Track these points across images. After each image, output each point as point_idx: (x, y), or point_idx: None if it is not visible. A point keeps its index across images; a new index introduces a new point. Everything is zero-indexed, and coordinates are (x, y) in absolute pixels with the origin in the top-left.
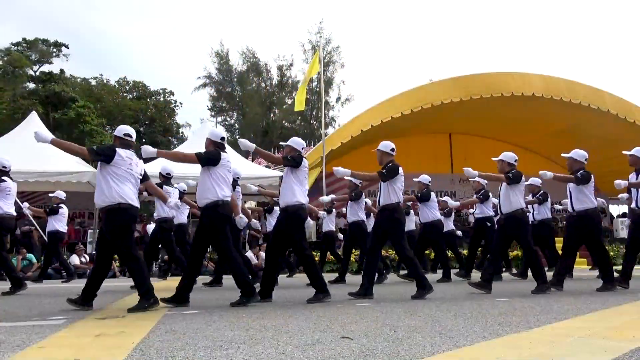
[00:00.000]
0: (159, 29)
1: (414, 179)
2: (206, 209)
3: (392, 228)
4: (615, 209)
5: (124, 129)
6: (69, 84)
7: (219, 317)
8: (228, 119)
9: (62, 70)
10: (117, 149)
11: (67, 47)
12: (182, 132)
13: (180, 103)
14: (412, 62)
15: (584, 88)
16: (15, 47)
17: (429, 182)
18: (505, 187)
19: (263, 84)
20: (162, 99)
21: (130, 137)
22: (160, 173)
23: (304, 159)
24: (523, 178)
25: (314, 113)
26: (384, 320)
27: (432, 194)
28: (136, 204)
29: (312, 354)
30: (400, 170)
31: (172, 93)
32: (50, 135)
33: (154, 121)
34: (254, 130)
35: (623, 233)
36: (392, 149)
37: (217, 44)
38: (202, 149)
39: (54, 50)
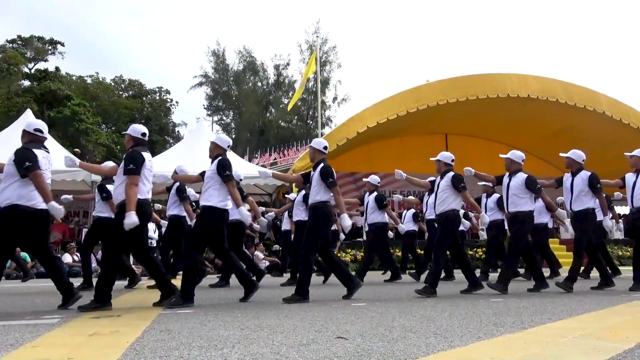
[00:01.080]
0: (155, 28)
1: (364, 179)
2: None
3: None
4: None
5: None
6: (65, 82)
7: (213, 317)
8: (224, 118)
9: (57, 68)
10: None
11: (62, 44)
12: (178, 131)
13: (177, 102)
14: (408, 62)
15: (580, 90)
16: (11, 45)
17: (378, 182)
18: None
19: (259, 83)
20: (158, 98)
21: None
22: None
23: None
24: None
25: (310, 113)
26: (379, 320)
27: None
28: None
29: (307, 354)
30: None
31: (168, 92)
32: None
33: (150, 120)
34: (250, 130)
35: (617, 234)
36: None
37: (214, 43)
38: (198, 149)
39: (50, 47)
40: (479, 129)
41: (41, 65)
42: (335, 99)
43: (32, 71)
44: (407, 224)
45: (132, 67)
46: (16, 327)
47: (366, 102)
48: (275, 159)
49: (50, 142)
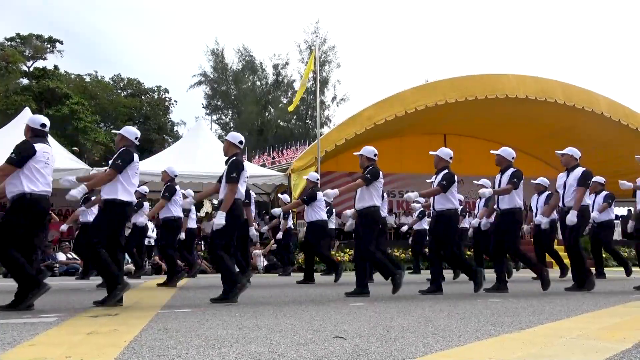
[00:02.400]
0: (154, 26)
1: (304, 177)
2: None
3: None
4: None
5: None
6: (63, 81)
7: (211, 316)
8: (223, 117)
9: (56, 67)
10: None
11: (61, 43)
12: (177, 130)
13: (175, 101)
14: (407, 63)
15: (578, 90)
16: (9, 43)
17: (317, 179)
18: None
19: (258, 83)
20: (156, 97)
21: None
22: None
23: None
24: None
25: (309, 112)
26: (377, 320)
27: (320, 194)
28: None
29: (304, 353)
30: (381, 174)
31: (166, 91)
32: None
33: (149, 119)
34: (248, 129)
35: (615, 235)
36: (375, 154)
37: (213, 42)
38: (198, 148)
39: (48, 46)
40: (478, 130)
41: (40, 64)
42: (334, 98)
43: (31, 69)
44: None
45: (131, 66)
46: (14, 326)
47: (365, 102)
48: (274, 158)
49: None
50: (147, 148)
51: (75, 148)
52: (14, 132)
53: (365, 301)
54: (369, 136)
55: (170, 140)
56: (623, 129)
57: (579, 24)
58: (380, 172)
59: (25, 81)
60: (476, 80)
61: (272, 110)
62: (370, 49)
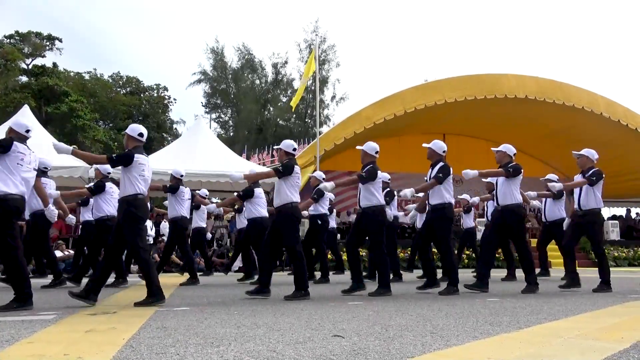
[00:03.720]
0: (153, 24)
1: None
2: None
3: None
4: (606, 211)
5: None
6: (62, 78)
7: (210, 314)
8: (222, 115)
9: (55, 64)
10: (135, 153)
11: (60, 40)
12: (176, 129)
13: (174, 99)
14: (407, 62)
15: (578, 91)
16: (8, 40)
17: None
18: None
19: (258, 81)
20: (155, 95)
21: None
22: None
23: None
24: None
25: (308, 111)
26: (375, 319)
27: (258, 190)
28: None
29: (303, 352)
30: (379, 172)
31: (166, 89)
32: (69, 147)
33: (148, 117)
34: (248, 128)
35: (614, 235)
36: (376, 152)
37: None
38: (196, 146)
39: (47, 43)
40: (477, 129)
41: (39, 61)
42: (333, 97)
43: (30, 67)
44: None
45: (130, 64)
46: (12, 323)
47: (365, 101)
48: (273, 157)
49: (48, 138)
50: (146, 146)
51: (74, 146)
52: None
53: (363, 300)
54: (368, 135)
55: (169, 138)
56: (622, 129)
57: (579, 25)
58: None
59: (24, 79)
60: (476, 80)
61: (271, 109)
62: (370, 48)
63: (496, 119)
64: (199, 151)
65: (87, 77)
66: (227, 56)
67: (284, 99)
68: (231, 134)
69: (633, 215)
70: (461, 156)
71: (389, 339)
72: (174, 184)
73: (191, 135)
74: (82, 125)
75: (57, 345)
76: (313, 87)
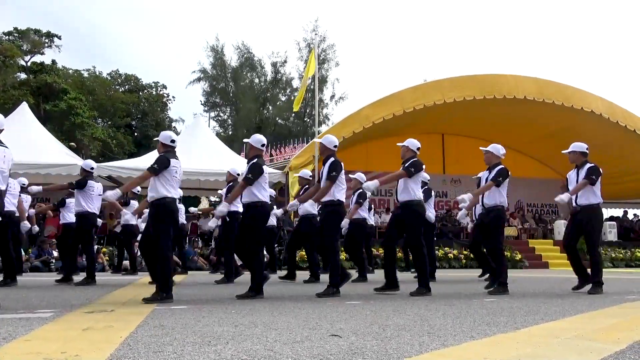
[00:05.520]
0: (152, 22)
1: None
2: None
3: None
4: (604, 213)
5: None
6: (61, 76)
7: (208, 313)
8: (221, 114)
9: (54, 62)
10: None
11: (59, 38)
12: (175, 127)
13: (173, 97)
14: (406, 61)
15: (576, 92)
16: (7, 37)
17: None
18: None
19: (257, 80)
20: (154, 93)
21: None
22: (82, 168)
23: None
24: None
25: (307, 110)
26: (372, 318)
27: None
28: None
29: (300, 351)
30: (423, 166)
31: (164, 87)
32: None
33: (146, 115)
34: (247, 126)
35: (611, 236)
36: (418, 148)
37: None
38: (195, 145)
39: (46, 40)
40: (476, 130)
41: (37, 58)
42: (332, 96)
43: (29, 64)
44: None
45: (129, 62)
46: (9, 321)
47: (364, 101)
48: (271, 156)
49: (46, 135)
50: (145, 144)
51: (72, 143)
52: (12, 127)
53: (361, 300)
54: (367, 135)
55: None
56: (621, 130)
57: (578, 25)
58: (424, 166)
59: (22, 76)
60: (475, 80)
61: (270, 107)
62: (370, 48)
63: (495, 120)
64: (197, 150)
65: (85, 74)
66: (227, 54)
67: (283, 98)
68: (230, 132)
69: (630, 216)
70: (460, 156)
71: (387, 338)
72: (82, 179)
73: (190, 134)
74: (81, 123)
75: (55, 343)
76: (312, 87)
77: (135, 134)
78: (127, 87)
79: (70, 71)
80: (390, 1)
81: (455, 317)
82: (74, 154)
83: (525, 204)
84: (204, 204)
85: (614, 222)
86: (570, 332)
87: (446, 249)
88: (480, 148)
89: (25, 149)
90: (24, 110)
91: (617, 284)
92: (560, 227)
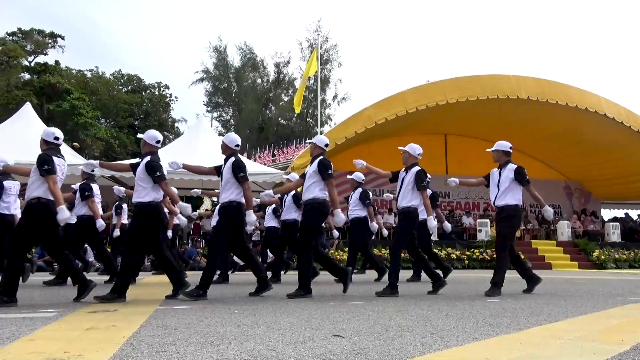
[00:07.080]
0: (156, 23)
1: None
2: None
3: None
4: (607, 213)
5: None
6: (64, 76)
7: (210, 313)
8: (224, 114)
9: (57, 62)
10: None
11: (62, 38)
12: (177, 127)
13: (176, 97)
14: (408, 62)
15: (579, 92)
16: (11, 37)
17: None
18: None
19: (259, 80)
20: (157, 93)
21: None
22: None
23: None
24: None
25: (310, 111)
26: (375, 319)
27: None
28: None
29: (303, 352)
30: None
31: (167, 87)
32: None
33: (149, 115)
34: (249, 127)
35: (614, 237)
36: (419, 154)
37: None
38: (197, 145)
39: (50, 41)
40: (478, 130)
41: (41, 59)
42: (335, 97)
43: (32, 64)
44: None
45: (132, 62)
46: (13, 320)
47: (366, 101)
48: (274, 156)
49: None
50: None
51: (75, 143)
52: (15, 127)
53: (363, 300)
54: (369, 135)
55: (170, 137)
56: (625, 131)
57: (580, 26)
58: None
59: (26, 76)
60: (477, 81)
61: (272, 108)
62: (372, 48)
63: (497, 120)
64: (200, 150)
65: (89, 74)
66: (229, 55)
67: (286, 99)
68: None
69: (634, 217)
70: (461, 157)
71: (389, 339)
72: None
73: (192, 134)
74: (84, 123)
75: (58, 342)
76: (315, 87)
77: (138, 134)
78: (130, 87)
79: (74, 71)
80: (393, 2)
81: (458, 318)
82: (77, 154)
83: (528, 205)
84: (207, 205)
85: (618, 223)
86: (574, 333)
87: (449, 249)
88: (487, 150)
89: (29, 148)
90: (27, 110)
91: (621, 285)
92: (563, 227)
